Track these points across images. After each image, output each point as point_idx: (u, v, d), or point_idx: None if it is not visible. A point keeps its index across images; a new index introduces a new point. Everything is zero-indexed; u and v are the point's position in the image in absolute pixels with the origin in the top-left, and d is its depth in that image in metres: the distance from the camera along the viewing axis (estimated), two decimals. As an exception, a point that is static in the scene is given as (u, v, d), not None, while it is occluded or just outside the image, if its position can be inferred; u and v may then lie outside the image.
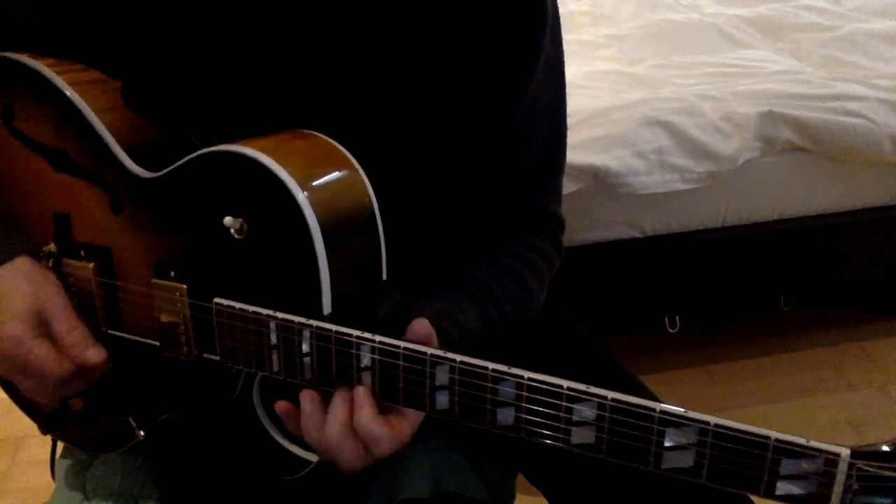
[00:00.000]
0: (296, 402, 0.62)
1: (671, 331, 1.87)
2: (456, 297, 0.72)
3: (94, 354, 0.67)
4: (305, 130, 0.67)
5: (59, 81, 0.70)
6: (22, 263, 0.68)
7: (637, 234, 1.69)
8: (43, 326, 0.67)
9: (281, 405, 0.62)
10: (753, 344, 2.03)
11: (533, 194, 0.82)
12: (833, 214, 1.76)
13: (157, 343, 0.70)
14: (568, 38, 2.41)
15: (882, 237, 1.81)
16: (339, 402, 0.59)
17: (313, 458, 0.67)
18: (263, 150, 0.60)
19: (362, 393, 0.58)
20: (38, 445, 1.79)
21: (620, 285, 1.76)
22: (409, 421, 0.60)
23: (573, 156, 1.55)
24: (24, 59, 0.71)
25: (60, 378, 0.66)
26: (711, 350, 2.01)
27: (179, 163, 0.65)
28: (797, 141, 1.66)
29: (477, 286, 0.74)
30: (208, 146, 0.63)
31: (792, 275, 1.84)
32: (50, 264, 0.73)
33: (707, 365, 1.97)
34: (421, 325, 0.58)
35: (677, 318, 1.87)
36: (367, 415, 0.58)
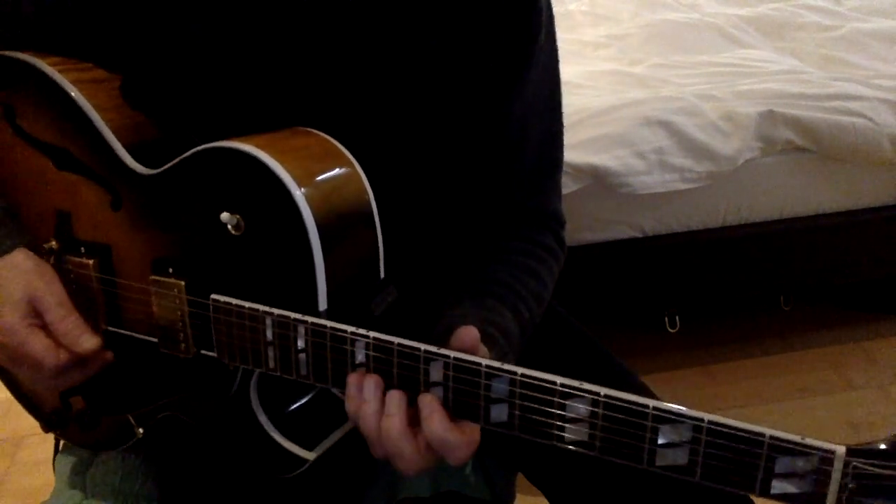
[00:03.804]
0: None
1: (671, 331, 1.86)
2: (490, 302, 0.72)
3: (87, 342, 0.68)
4: (303, 128, 0.67)
5: (62, 80, 0.70)
6: (18, 256, 0.69)
7: (637, 234, 1.69)
8: (38, 317, 0.67)
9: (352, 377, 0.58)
10: (753, 344, 2.03)
11: (534, 193, 0.82)
12: (833, 214, 1.76)
13: (156, 340, 0.70)
14: (568, 37, 2.44)
15: (882, 237, 1.80)
16: (395, 400, 0.56)
17: (310, 455, 0.67)
18: (261, 147, 0.60)
19: (429, 400, 0.55)
20: (38, 445, 1.79)
21: (620, 285, 1.76)
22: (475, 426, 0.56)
23: (573, 156, 1.55)
24: (26, 57, 0.71)
25: (56, 367, 0.67)
26: (711, 350, 2.01)
27: (177, 159, 0.66)
28: (797, 141, 1.66)
29: (505, 289, 0.74)
30: (207, 143, 0.64)
31: (792, 275, 1.83)
32: (51, 261, 0.73)
33: (707, 365, 1.96)
34: (468, 333, 0.56)
35: (677, 318, 1.86)
36: (438, 421, 0.54)
